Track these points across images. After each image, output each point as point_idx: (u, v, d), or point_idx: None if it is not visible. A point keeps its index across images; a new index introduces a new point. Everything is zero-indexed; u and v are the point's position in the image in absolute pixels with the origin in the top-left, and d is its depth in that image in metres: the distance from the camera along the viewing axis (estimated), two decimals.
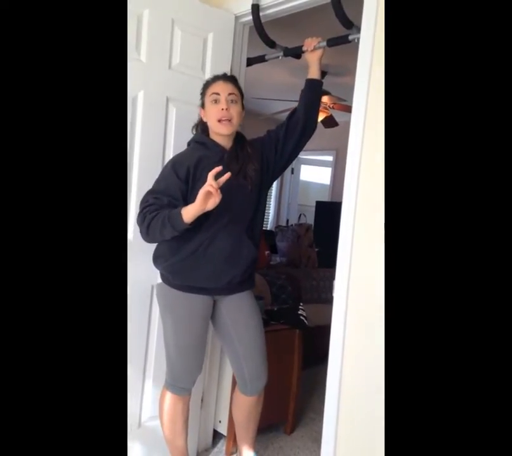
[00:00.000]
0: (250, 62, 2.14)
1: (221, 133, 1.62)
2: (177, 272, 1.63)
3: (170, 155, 1.83)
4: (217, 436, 2.17)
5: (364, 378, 1.51)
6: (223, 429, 2.13)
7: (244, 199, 1.64)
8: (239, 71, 2.06)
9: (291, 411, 2.30)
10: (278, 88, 4.35)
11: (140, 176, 1.76)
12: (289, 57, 2.10)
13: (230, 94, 1.60)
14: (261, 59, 2.13)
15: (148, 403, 1.88)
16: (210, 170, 1.40)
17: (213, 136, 1.66)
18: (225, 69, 1.96)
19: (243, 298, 1.71)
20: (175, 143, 1.84)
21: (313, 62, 1.80)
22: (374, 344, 1.46)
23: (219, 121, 1.59)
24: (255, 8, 1.89)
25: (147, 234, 1.54)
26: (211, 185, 1.37)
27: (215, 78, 1.66)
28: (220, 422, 2.14)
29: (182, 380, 1.72)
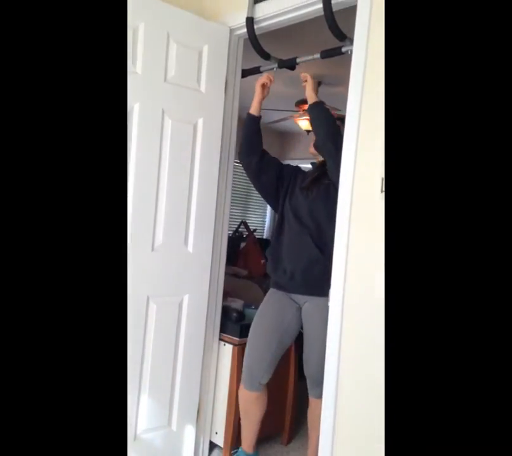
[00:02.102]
0: (245, 74, 2.15)
1: (311, 153, 2.00)
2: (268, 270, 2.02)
3: (165, 167, 1.83)
4: (213, 447, 2.15)
5: (362, 388, 1.50)
6: (219, 441, 2.11)
7: (309, 204, 1.89)
8: (234, 83, 2.08)
9: (287, 422, 2.29)
10: (273, 98, 4.37)
11: (136, 188, 1.76)
12: (284, 69, 2.12)
13: None
14: (256, 70, 2.15)
15: (144, 415, 1.86)
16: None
17: None
18: (221, 81, 1.98)
19: (319, 307, 1.80)
20: (171, 155, 1.84)
21: (306, 92, 1.93)
22: (371, 353, 1.46)
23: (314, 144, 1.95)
24: (250, 21, 1.91)
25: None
26: (268, 77, 1.97)
27: None
28: (216, 433, 2.13)
29: (244, 373, 1.92)
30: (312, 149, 1.96)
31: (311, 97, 1.89)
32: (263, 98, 1.99)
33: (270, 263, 1.98)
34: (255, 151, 2.01)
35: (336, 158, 1.64)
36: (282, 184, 2.01)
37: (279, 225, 1.99)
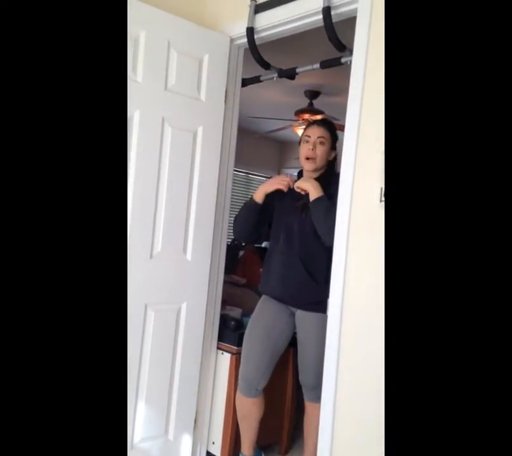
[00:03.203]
0: (245, 83, 2.17)
1: (305, 169, 1.91)
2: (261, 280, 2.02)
3: (164, 175, 1.83)
4: None
5: (362, 391, 1.49)
6: (216, 451, 2.10)
7: (301, 226, 1.84)
8: (234, 92, 2.09)
9: (285, 431, 2.27)
10: (272, 107, 4.41)
11: (135, 195, 1.76)
12: (284, 78, 2.14)
13: (319, 137, 1.86)
14: (256, 80, 2.17)
15: (141, 424, 1.85)
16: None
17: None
18: (221, 90, 1.99)
19: (312, 318, 1.82)
20: (170, 163, 1.85)
21: (310, 190, 1.80)
22: (371, 356, 1.45)
23: (306, 158, 1.87)
24: (250, 31, 1.93)
25: (235, 219, 2.00)
26: (283, 181, 1.85)
27: (312, 123, 1.95)
28: (213, 443, 2.11)
29: (241, 380, 1.91)
30: (303, 162, 1.90)
31: (313, 193, 1.77)
32: (264, 191, 1.89)
33: (261, 282, 1.98)
34: (253, 232, 1.99)
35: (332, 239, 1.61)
36: (270, 217, 1.99)
37: (271, 245, 1.97)
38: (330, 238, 1.62)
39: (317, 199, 1.76)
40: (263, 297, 1.98)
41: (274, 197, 1.93)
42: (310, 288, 1.79)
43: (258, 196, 1.90)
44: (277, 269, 1.88)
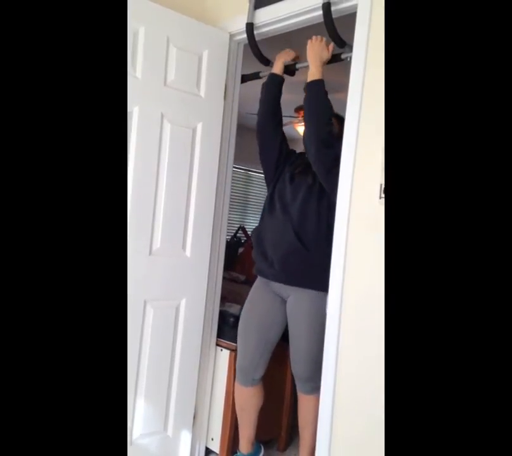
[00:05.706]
0: (245, 79, 2.16)
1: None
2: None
3: (164, 171, 1.83)
4: (209, 453, 2.14)
5: (359, 395, 1.50)
6: (215, 447, 2.10)
7: (294, 194, 1.86)
8: (234, 88, 2.08)
9: (284, 427, 2.28)
10: None
11: (134, 192, 1.76)
12: (283, 74, 2.13)
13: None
14: (255, 76, 2.16)
15: (139, 420, 1.85)
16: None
17: None
18: (220, 86, 1.99)
19: (303, 300, 1.81)
20: (170, 159, 1.84)
21: (310, 61, 1.82)
22: (370, 357, 1.45)
23: None
24: (249, 27, 1.92)
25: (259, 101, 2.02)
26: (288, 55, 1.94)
27: None
28: (212, 439, 2.12)
29: (238, 370, 1.93)
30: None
31: (313, 73, 1.78)
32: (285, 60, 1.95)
33: (254, 246, 1.99)
34: (270, 114, 2.01)
35: (321, 156, 1.67)
36: (279, 166, 2.01)
37: (267, 208, 1.97)
38: (316, 128, 1.65)
39: (316, 82, 1.76)
40: (256, 283, 1.98)
41: (286, 158, 2.02)
42: (299, 253, 1.79)
43: (275, 68, 1.95)
44: (270, 231, 1.89)
